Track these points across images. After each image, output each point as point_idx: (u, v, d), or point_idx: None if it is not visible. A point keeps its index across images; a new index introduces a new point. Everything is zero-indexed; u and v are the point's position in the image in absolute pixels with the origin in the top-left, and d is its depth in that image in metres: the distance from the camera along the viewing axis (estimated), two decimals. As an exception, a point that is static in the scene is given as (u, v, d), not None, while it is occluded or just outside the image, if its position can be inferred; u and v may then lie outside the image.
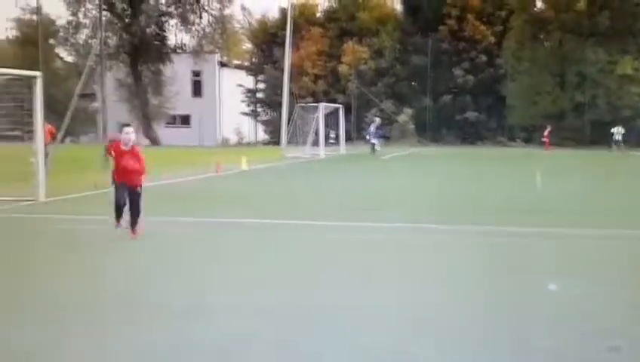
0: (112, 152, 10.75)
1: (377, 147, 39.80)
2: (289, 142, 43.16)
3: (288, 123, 45.56)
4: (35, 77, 15.60)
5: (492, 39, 54.35)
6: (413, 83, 56.86)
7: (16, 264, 9.12)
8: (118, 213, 10.67)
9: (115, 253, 9.76)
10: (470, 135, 54.72)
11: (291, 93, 50.54)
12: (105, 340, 5.78)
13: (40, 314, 6.54)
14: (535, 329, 6.02)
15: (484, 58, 54.32)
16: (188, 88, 59.91)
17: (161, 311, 6.58)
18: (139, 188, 10.69)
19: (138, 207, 10.67)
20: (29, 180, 15.59)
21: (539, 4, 54.71)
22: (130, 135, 10.71)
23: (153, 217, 11.78)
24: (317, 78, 57.03)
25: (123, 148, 10.63)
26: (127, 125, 11.19)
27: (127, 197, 10.58)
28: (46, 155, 23.05)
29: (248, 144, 59.06)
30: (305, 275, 8.32)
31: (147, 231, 10.75)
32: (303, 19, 57.41)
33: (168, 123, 59.12)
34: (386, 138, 46.67)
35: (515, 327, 6.10)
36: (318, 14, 61.55)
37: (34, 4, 61.14)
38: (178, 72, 55.73)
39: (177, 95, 55.87)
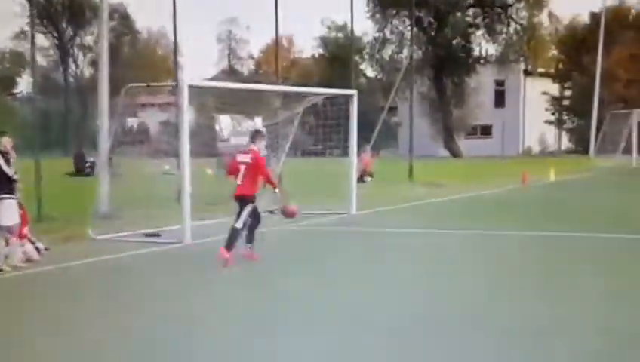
0: None
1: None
2: (598, 151, 41.50)
3: (597, 131, 43.77)
4: (351, 95, 16.09)
5: None
6: None
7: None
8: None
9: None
10: None
11: (601, 101, 48.01)
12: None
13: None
14: None
15: None
16: (490, 98, 59.33)
17: None
18: None
19: None
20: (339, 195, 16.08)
21: None
22: None
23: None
24: (629, 83, 53.38)
25: None
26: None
27: None
28: (370, 175, 24.26)
29: (552, 153, 57.10)
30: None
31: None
32: (616, 23, 54.15)
33: (469, 134, 58.70)
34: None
35: None
36: (630, 17, 57.85)
37: (340, 22, 65.74)
38: (480, 82, 55.58)
39: (479, 106, 55.69)
